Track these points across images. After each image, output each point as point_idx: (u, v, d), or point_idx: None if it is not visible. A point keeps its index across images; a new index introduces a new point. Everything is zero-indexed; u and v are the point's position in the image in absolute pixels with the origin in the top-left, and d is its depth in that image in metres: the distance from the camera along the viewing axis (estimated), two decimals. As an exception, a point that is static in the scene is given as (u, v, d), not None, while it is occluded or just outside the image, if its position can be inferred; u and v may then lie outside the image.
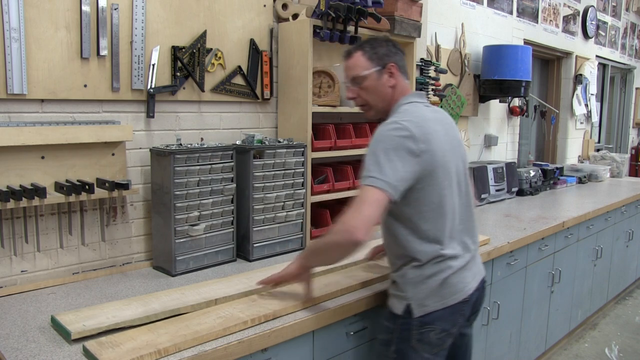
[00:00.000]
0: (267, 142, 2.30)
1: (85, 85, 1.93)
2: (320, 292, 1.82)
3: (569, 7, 5.19)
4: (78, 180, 1.89)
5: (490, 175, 3.69)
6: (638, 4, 6.72)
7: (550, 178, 4.42)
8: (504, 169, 3.83)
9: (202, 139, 2.32)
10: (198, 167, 2.05)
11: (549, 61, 5.40)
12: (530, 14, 4.59)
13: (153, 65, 2.09)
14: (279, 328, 1.60)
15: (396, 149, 1.55)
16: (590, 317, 4.04)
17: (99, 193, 1.91)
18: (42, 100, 1.86)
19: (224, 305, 1.70)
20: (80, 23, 1.89)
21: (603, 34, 5.96)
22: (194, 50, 2.22)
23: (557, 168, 4.55)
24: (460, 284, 1.71)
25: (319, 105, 2.47)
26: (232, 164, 2.16)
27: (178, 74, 2.17)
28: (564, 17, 5.13)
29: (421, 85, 3.26)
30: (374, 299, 1.91)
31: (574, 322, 3.72)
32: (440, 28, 3.57)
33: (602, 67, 6.22)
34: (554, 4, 4.93)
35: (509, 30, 4.33)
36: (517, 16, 4.42)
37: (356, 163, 2.80)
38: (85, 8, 1.89)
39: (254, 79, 2.47)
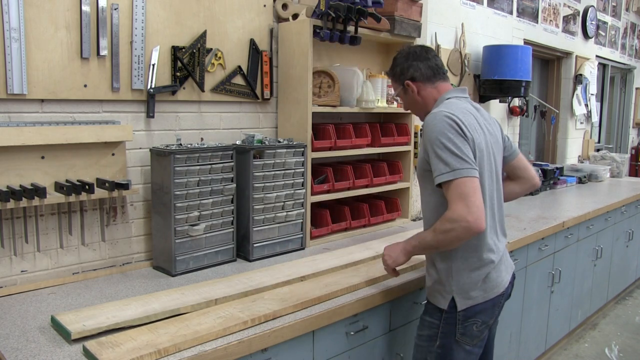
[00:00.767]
0: (267, 142, 2.30)
1: (85, 85, 1.93)
2: (320, 292, 1.82)
3: (569, 7, 5.19)
4: (78, 180, 1.89)
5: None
6: (638, 4, 6.72)
7: (550, 178, 4.42)
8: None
9: (202, 139, 2.32)
10: (198, 167, 2.05)
11: (549, 61, 5.40)
12: (530, 14, 4.59)
13: (153, 65, 2.09)
14: (279, 328, 1.60)
15: (455, 135, 1.67)
16: (590, 317, 4.04)
17: (99, 193, 1.91)
18: (42, 100, 1.86)
19: (223, 305, 1.70)
20: (80, 23, 1.89)
21: (603, 34, 5.96)
22: (194, 50, 2.22)
23: (557, 168, 4.55)
24: (499, 277, 1.82)
25: (319, 105, 2.47)
26: (232, 164, 2.16)
27: (178, 74, 2.17)
28: (564, 17, 5.13)
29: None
30: (374, 299, 1.91)
31: (574, 322, 3.72)
32: (440, 28, 3.57)
33: (602, 67, 6.22)
34: (554, 4, 4.93)
35: (509, 30, 4.33)
36: (517, 16, 4.42)
37: (356, 163, 2.81)
38: (85, 8, 1.89)
39: (254, 79, 2.47)
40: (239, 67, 2.40)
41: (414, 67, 1.88)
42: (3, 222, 1.80)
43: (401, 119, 2.98)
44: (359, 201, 2.86)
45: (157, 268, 2.12)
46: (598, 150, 5.87)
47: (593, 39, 5.67)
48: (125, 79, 2.04)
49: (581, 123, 5.65)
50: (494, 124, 1.94)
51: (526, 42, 4.50)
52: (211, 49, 2.29)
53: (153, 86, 2.10)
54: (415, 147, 3.06)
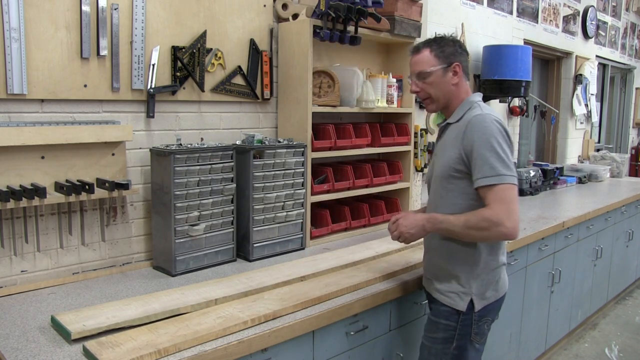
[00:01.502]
0: (267, 142, 2.30)
1: (85, 85, 1.93)
2: (320, 292, 1.82)
3: (569, 7, 5.19)
4: (78, 180, 1.89)
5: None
6: (638, 4, 6.72)
7: (550, 178, 4.42)
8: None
9: (202, 139, 2.32)
10: (198, 167, 2.05)
11: (549, 61, 5.40)
12: (530, 14, 4.59)
13: (153, 65, 2.09)
14: (279, 328, 1.60)
15: (504, 141, 1.70)
16: (590, 317, 4.04)
17: (99, 193, 1.91)
18: (42, 100, 1.86)
19: (223, 305, 1.70)
20: (80, 23, 1.89)
21: (603, 34, 5.96)
22: (194, 50, 2.22)
23: (557, 168, 4.55)
24: (505, 276, 1.91)
25: (319, 105, 2.47)
26: (232, 164, 2.16)
27: (178, 74, 2.17)
28: (564, 17, 5.13)
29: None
30: (373, 299, 1.91)
31: (574, 322, 3.72)
32: (440, 28, 3.57)
33: (602, 67, 6.22)
34: (554, 4, 4.93)
35: (509, 30, 4.33)
36: (517, 16, 4.42)
37: (356, 163, 2.81)
38: (85, 8, 1.89)
39: (254, 79, 2.47)
40: (239, 67, 2.40)
41: (463, 57, 1.85)
42: (3, 222, 1.80)
43: (401, 119, 2.98)
44: (359, 201, 2.86)
45: (157, 268, 2.12)
46: (598, 150, 5.87)
47: (593, 39, 5.67)
48: (125, 79, 2.04)
49: (581, 123, 5.65)
50: None
51: (526, 42, 4.50)
52: (211, 49, 2.29)
53: (153, 86, 2.10)
54: (415, 147, 3.06)
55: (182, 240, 2.05)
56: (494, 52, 3.86)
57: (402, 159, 2.98)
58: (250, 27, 2.42)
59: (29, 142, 1.75)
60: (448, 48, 1.83)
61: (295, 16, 2.49)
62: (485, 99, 4.02)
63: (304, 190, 2.41)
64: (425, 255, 1.98)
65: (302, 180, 2.40)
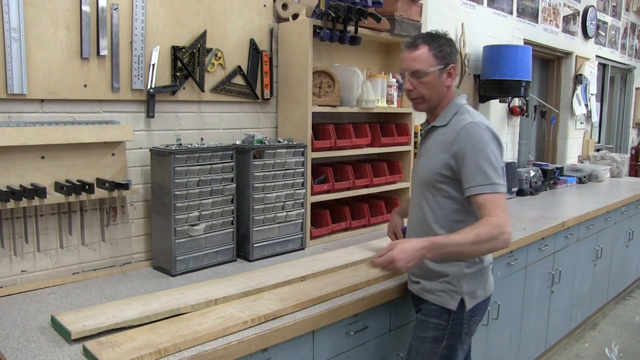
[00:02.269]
0: (267, 142, 2.30)
1: (85, 85, 1.93)
2: (320, 292, 1.82)
3: (569, 7, 5.19)
4: (78, 180, 1.89)
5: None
6: (638, 4, 6.72)
7: (550, 178, 4.42)
8: (504, 169, 3.82)
9: (202, 139, 2.32)
10: (198, 167, 2.05)
11: (549, 61, 5.40)
12: (530, 14, 4.59)
13: (153, 65, 2.09)
14: (279, 328, 1.60)
15: (497, 149, 1.71)
16: (590, 317, 4.04)
17: (99, 193, 1.91)
18: (42, 100, 1.86)
19: (223, 305, 1.70)
20: (80, 23, 1.89)
21: (603, 34, 5.96)
22: (194, 50, 2.22)
23: (557, 168, 4.55)
24: (492, 275, 1.94)
25: (319, 105, 2.47)
26: (232, 164, 2.16)
27: (178, 74, 2.17)
28: (564, 17, 5.13)
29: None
30: (373, 299, 1.91)
31: (574, 322, 3.72)
32: (440, 28, 3.57)
33: (602, 67, 6.22)
34: (554, 4, 4.93)
35: (509, 30, 4.33)
36: (517, 16, 4.42)
37: (356, 163, 2.81)
38: (85, 8, 1.89)
39: (254, 79, 2.47)
40: (239, 67, 2.40)
41: (457, 58, 1.84)
42: (3, 222, 1.80)
43: (401, 119, 2.98)
44: (359, 201, 2.86)
45: (157, 268, 2.12)
46: (598, 150, 5.87)
47: (593, 39, 5.67)
48: (125, 79, 2.03)
49: (581, 123, 5.65)
50: None
51: (526, 42, 4.50)
52: (211, 49, 2.29)
53: (153, 86, 2.10)
54: (415, 147, 3.06)
55: (182, 240, 2.05)
56: (494, 52, 3.86)
57: (402, 159, 2.98)
58: (250, 27, 2.42)
59: (29, 142, 1.75)
60: (446, 48, 1.79)
61: (295, 16, 2.49)
62: (485, 99, 4.03)
63: (304, 190, 2.41)
64: None
65: (302, 180, 2.40)
